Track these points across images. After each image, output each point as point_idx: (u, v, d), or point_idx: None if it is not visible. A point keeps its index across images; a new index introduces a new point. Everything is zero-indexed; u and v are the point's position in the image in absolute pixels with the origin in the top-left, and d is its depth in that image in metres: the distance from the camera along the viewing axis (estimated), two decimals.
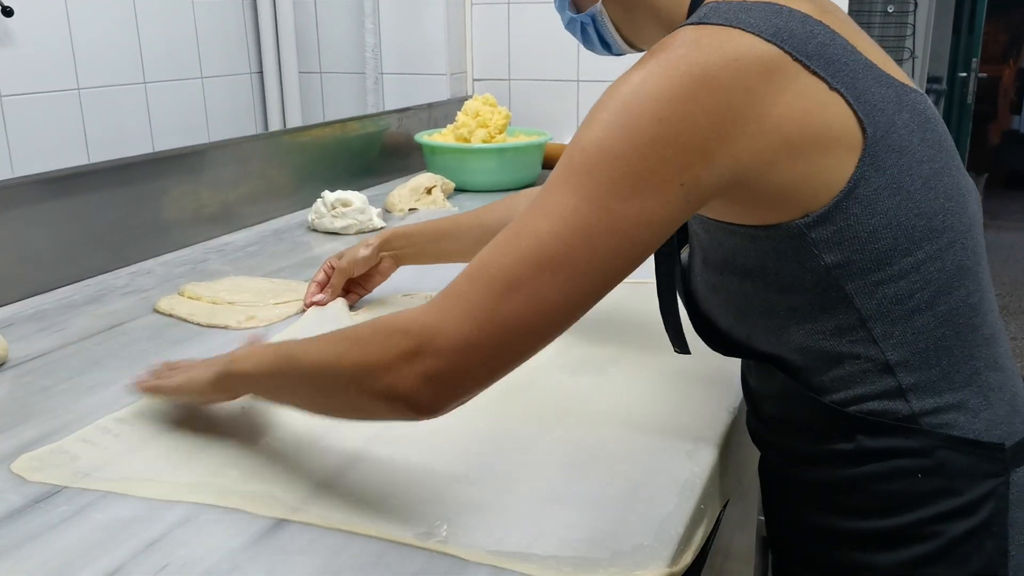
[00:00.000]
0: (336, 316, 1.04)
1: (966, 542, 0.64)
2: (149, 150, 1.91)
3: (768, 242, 0.63)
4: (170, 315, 1.09)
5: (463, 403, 0.60)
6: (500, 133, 1.85)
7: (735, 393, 0.88)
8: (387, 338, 0.59)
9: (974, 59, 4.31)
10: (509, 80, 2.28)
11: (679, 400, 0.86)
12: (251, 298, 1.12)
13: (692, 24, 0.61)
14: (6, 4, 1.62)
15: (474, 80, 2.32)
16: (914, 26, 2.67)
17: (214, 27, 2.14)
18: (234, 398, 0.76)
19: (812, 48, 0.59)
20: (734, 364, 0.93)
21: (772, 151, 0.58)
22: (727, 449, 0.81)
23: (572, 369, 0.94)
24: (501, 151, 1.83)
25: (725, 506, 0.84)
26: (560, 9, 0.80)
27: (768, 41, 0.58)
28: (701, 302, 0.75)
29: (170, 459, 0.74)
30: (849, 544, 0.68)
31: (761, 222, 0.63)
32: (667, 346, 0.99)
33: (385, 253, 1.09)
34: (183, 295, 1.14)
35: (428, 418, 0.60)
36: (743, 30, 0.58)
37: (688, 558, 0.63)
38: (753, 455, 0.98)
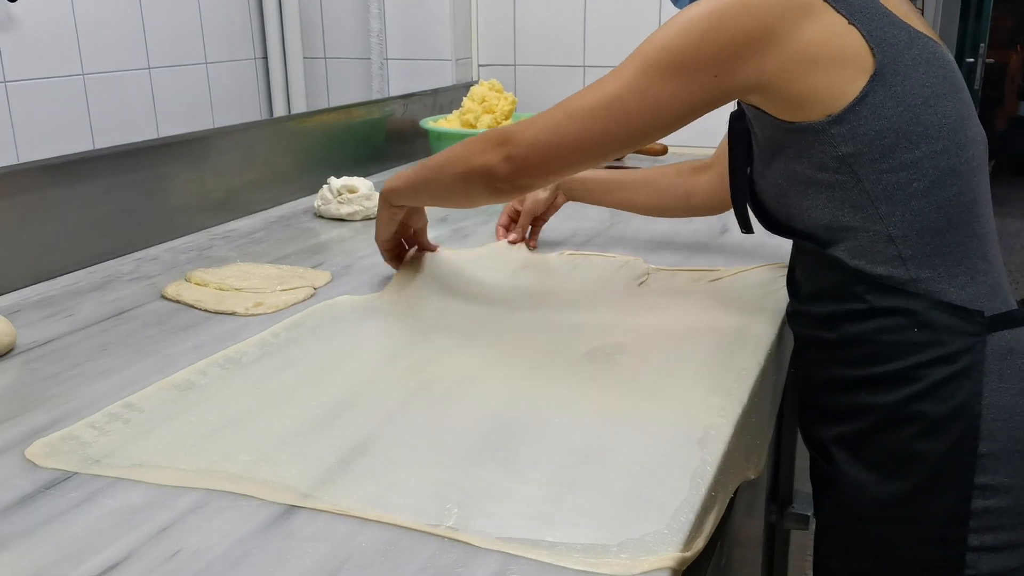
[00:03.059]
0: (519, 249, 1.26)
1: (947, 384, 0.81)
2: (154, 136, 1.92)
3: (801, 134, 0.82)
4: (177, 301, 1.09)
5: (532, 186, 0.92)
6: (506, 119, 1.84)
7: (746, 382, 0.87)
8: (488, 135, 0.90)
9: (982, 45, 4.28)
10: (515, 66, 2.27)
11: (689, 387, 0.86)
12: (259, 284, 1.11)
13: None
14: None
15: (479, 66, 2.30)
16: (923, 11, 2.65)
17: (218, 12, 2.13)
18: (401, 210, 1.07)
19: None
20: (743, 355, 0.93)
21: (795, 64, 0.79)
22: (738, 436, 0.80)
23: (583, 355, 0.93)
24: None
25: (736, 493, 0.84)
26: None
27: None
28: (758, 188, 0.94)
29: (181, 444, 0.74)
30: (858, 388, 0.86)
31: (795, 119, 0.82)
32: (676, 335, 0.99)
33: (560, 191, 1.29)
34: (190, 281, 1.14)
35: (509, 191, 0.91)
36: None
37: (699, 544, 0.63)
38: (763, 440, 0.98)
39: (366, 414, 0.79)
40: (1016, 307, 0.86)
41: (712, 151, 1.24)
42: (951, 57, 0.87)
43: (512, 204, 1.32)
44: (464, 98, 1.89)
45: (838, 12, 0.79)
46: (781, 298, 1.07)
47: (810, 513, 1.46)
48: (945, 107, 0.82)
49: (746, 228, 1.03)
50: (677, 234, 1.39)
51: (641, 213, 1.33)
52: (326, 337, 0.97)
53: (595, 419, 0.79)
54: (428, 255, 1.18)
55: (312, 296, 1.10)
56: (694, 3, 0.83)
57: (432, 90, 2.14)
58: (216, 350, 0.93)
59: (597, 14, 2.14)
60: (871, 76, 0.79)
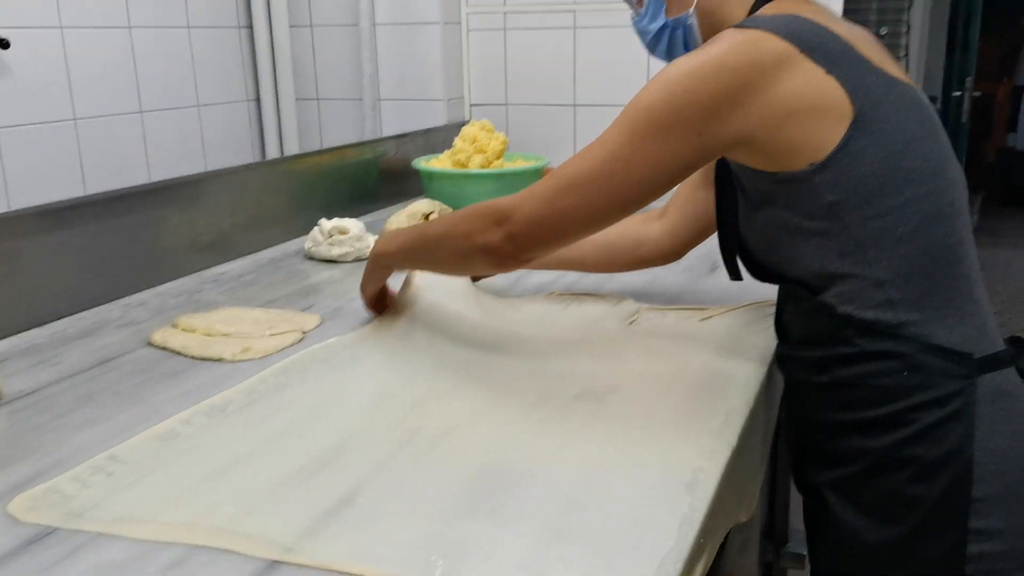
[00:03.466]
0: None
1: (939, 427, 0.81)
2: (146, 179, 1.93)
3: (787, 184, 0.83)
4: (164, 348, 1.08)
5: (533, 260, 0.91)
6: (498, 158, 1.85)
7: (735, 424, 0.87)
8: (485, 212, 0.89)
9: (968, 78, 4.33)
10: (506, 105, 2.29)
11: (678, 431, 0.85)
12: (247, 329, 1.11)
13: (731, 28, 0.83)
14: (2, 36, 1.62)
15: (471, 105, 2.32)
16: (907, 48, 2.69)
17: (211, 54, 2.15)
18: (390, 271, 1.08)
19: (815, 44, 0.80)
20: (733, 396, 0.93)
21: (776, 116, 0.80)
22: (728, 479, 0.80)
23: (572, 397, 0.93)
24: (499, 176, 1.83)
25: (728, 535, 0.84)
26: (649, 20, 1.01)
27: (783, 38, 0.80)
28: (745, 238, 0.95)
29: (164, 497, 0.73)
30: (850, 432, 0.85)
31: (779, 169, 0.83)
32: (666, 376, 0.99)
33: None
34: (177, 327, 1.13)
35: (510, 266, 0.93)
36: (764, 30, 0.81)
37: None
38: (753, 484, 0.97)
39: (353, 464, 0.78)
40: (1003, 347, 0.86)
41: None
42: (927, 101, 0.88)
43: None
44: (456, 138, 1.90)
45: (815, 62, 0.80)
46: (770, 336, 1.07)
47: (806, 552, 1.45)
48: (925, 151, 0.83)
49: (735, 276, 1.03)
50: (667, 273, 1.39)
51: (590, 271, 1.31)
52: (314, 383, 0.96)
53: (583, 467, 0.78)
54: (417, 292, 1.17)
55: (301, 340, 1.10)
56: (674, 61, 0.84)
57: (424, 130, 2.16)
58: (202, 398, 0.93)
59: (586, 54, 2.17)
60: (851, 123, 0.80)
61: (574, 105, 2.22)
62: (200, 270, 1.45)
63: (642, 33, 1.04)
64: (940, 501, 0.81)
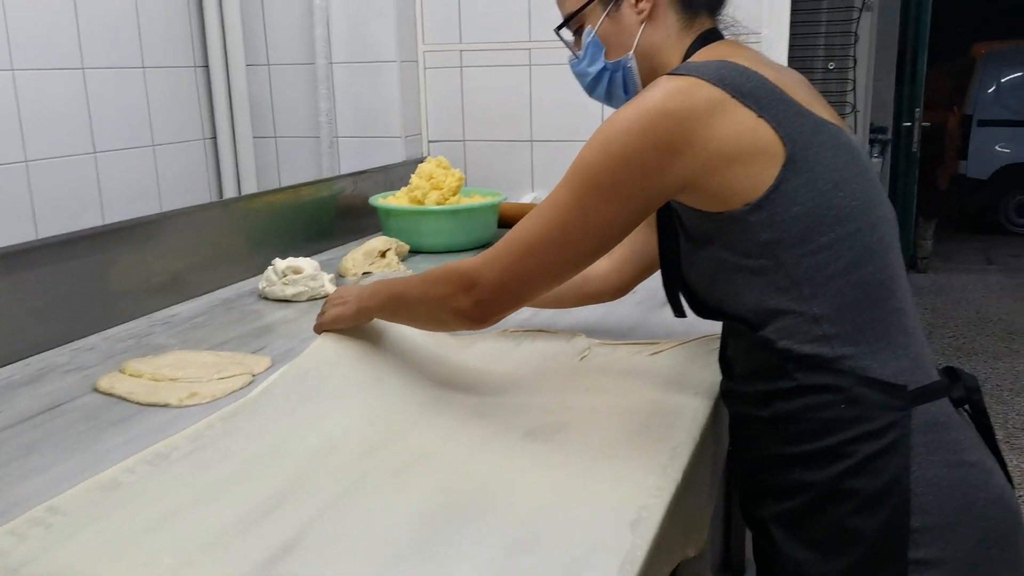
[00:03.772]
0: None
1: (877, 459, 0.82)
2: (99, 221, 1.91)
3: (724, 223, 0.86)
4: (110, 394, 1.07)
5: (505, 316, 0.94)
6: (454, 195, 1.87)
7: (681, 460, 0.88)
8: (454, 279, 0.94)
9: (917, 109, 4.44)
10: (464, 141, 2.31)
11: (625, 468, 0.86)
12: (195, 373, 1.10)
13: (666, 75, 0.86)
14: None
15: (429, 142, 2.34)
16: (854, 81, 2.76)
17: (166, 94, 2.14)
18: (369, 320, 1.10)
19: (746, 90, 0.84)
20: (679, 431, 0.94)
21: (714, 160, 0.83)
22: (674, 515, 0.81)
23: (521, 436, 0.93)
24: (455, 213, 1.85)
25: (678, 569, 0.84)
26: (588, 63, 1.03)
27: (714, 85, 0.83)
28: (687, 275, 0.97)
29: (102, 550, 0.72)
30: (792, 465, 0.87)
31: (717, 209, 0.86)
32: (615, 412, 0.99)
33: None
34: (124, 372, 1.12)
35: (483, 327, 0.95)
36: (697, 77, 0.84)
37: None
38: (702, 518, 0.98)
39: (298, 509, 0.78)
40: (938, 378, 0.88)
41: None
42: (856, 141, 0.91)
43: None
44: (412, 175, 1.91)
45: (746, 106, 0.83)
46: (718, 371, 1.09)
47: None
48: (855, 189, 0.86)
49: (679, 313, 1.05)
50: (619, 307, 1.40)
51: (541, 307, 1.32)
52: (261, 428, 0.96)
53: (530, 508, 0.78)
54: (370, 329, 1.17)
55: (250, 384, 1.09)
56: (611, 117, 0.86)
57: (382, 167, 2.17)
58: (146, 445, 0.91)
59: (542, 91, 2.20)
60: (783, 164, 0.83)
61: (531, 141, 2.24)
62: (151, 312, 1.44)
63: (581, 76, 1.06)
64: (880, 533, 0.82)
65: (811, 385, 0.85)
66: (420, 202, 1.87)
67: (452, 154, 2.27)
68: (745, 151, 0.82)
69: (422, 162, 1.93)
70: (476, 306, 0.92)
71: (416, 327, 1.10)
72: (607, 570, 0.68)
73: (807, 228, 0.83)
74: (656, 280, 1.27)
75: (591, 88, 1.06)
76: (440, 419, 1.00)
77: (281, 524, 0.75)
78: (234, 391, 1.07)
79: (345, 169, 2.24)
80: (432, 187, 1.87)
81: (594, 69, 1.03)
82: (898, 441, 0.82)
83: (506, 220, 2.04)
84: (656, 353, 1.18)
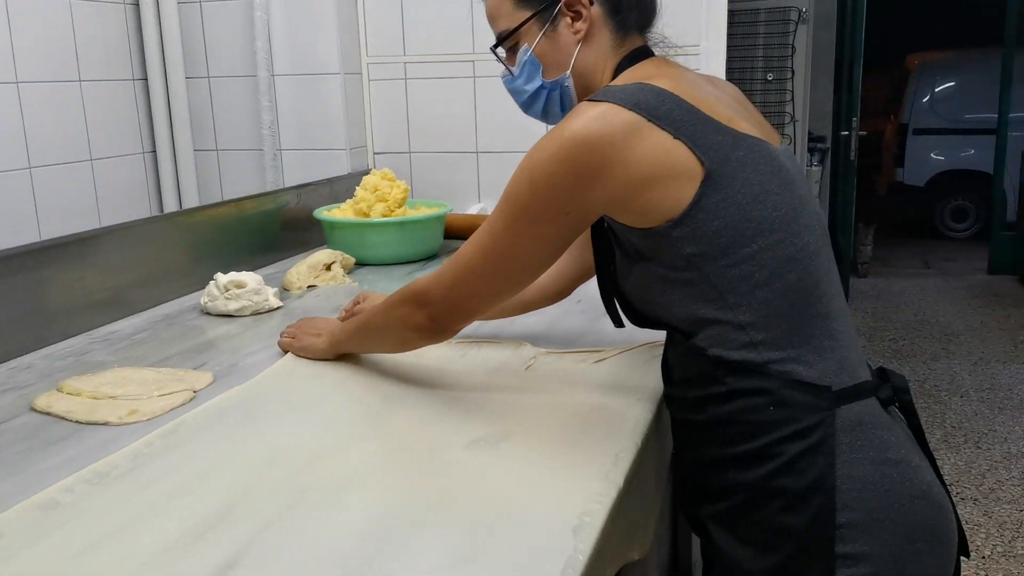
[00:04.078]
0: None
1: (803, 459, 0.85)
2: (36, 236, 1.86)
3: (651, 239, 0.89)
4: (47, 413, 1.05)
5: (460, 328, 1.01)
6: (400, 207, 1.87)
7: (623, 465, 0.89)
8: (409, 297, 1.01)
9: (854, 118, 4.57)
10: (409, 153, 2.31)
11: (568, 474, 0.87)
12: (135, 390, 1.08)
13: (586, 100, 0.89)
14: None
15: (374, 154, 2.34)
16: (792, 92, 2.83)
17: (103, 107, 2.11)
18: (336, 354, 1.17)
19: (661, 112, 0.86)
20: (622, 437, 0.95)
21: (633, 182, 0.86)
22: (616, 520, 0.82)
23: (465, 446, 0.94)
24: (401, 224, 1.85)
25: (621, 572, 0.85)
26: (525, 81, 1.05)
27: (629, 109, 0.86)
28: (623, 287, 1.00)
29: (40, 572, 0.71)
30: (727, 466, 0.90)
31: (643, 226, 0.89)
32: (559, 419, 1.01)
33: None
34: (62, 391, 1.10)
35: (441, 339, 1.03)
36: (613, 103, 0.87)
37: None
38: (646, 521, 0.99)
39: (242, 525, 0.77)
40: (866, 379, 0.90)
41: None
42: (780, 152, 0.93)
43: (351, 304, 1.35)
44: (357, 187, 1.91)
45: (662, 128, 0.85)
46: (660, 376, 1.11)
47: None
48: (775, 201, 0.88)
49: (618, 323, 1.07)
50: (565, 315, 1.42)
51: (481, 318, 1.31)
52: (202, 444, 0.95)
53: (474, 516, 0.79)
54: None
55: (192, 400, 1.08)
56: (535, 145, 0.90)
57: (328, 179, 2.16)
58: (86, 464, 0.90)
59: (487, 102, 2.21)
60: (702, 182, 0.85)
61: (476, 152, 2.25)
62: (91, 329, 1.41)
63: (516, 93, 1.08)
64: (808, 529, 0.84)
65: (742, 389, 0.88)
66: (366, 214, 1.86)
67: (398, 166, 2.27)
68: (663, 172, 0.85)
69: (367, 174, 1.93)
70: (431, 321, 1.00)
71: (385, 352, 1.17)
72: (550, 575, 0.69)
73: (728, 241, 0.86)
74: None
75: (527, 105, 1.08)
76: (385, 431, 1.00)
77: (224, 540, 0.75)
78: (175, 407, 1.05)
79: (289, 182, 2.23)
80: (378, 199, 1.86)
81: (531, 87, 1.05)
82: (823, 440, 0.85)
83: (453, 231, 2.05)
84: (600, 360, 1.20)
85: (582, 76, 1.02)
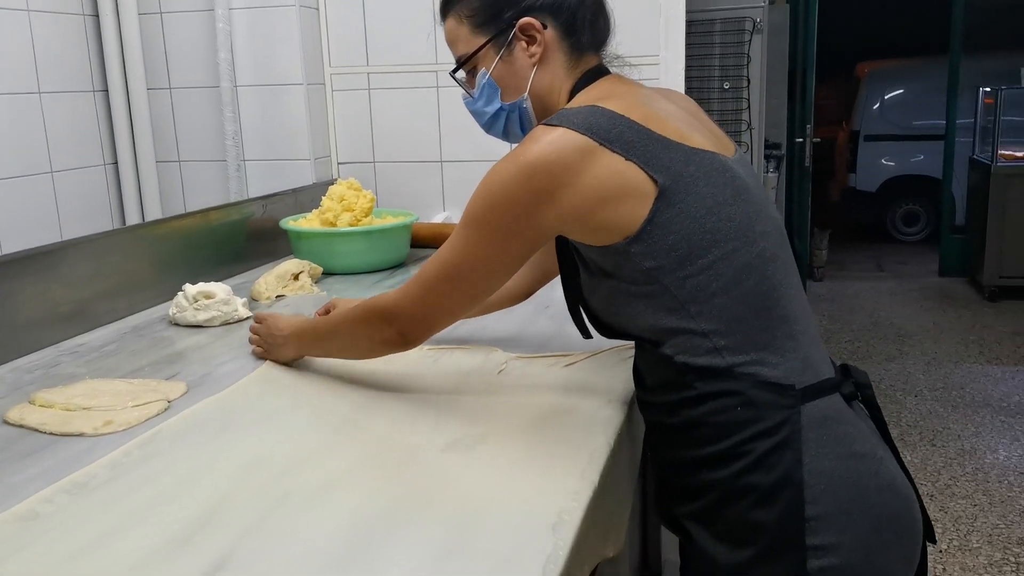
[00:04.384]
0: None
1: (771, 455, 0.88)
2: None
3: (610, 256, 0.93)
4: (20, 426, 1.04)
5: (425, 340, 1.04)
6: (366, 216, 1.88)
7: (597, 464, 0.92)
8: (376, 314, 1.05)
9: (808, 125, 4.67)
10: (374, 163, 2.32)
11: (544, 474, 0.89)
12: (109, 401, 1.08)
13: (541, 124, 0.93)
14: None
15: (339, 163, 2.35)
16: (748, 100, 2.90)
17: (64, 119, 2.09)
18: (305, 356, 1.22)
19: (613, 135, 0.90)
20: (595, 437, 0.98)
21: (587, 203, 0.90)
22: (592, 518, 0.84)
23: (443, 449, 0.96)
24: (368, 233, 1.86)
25: (596, 571, 0.88)
26: (484, 103, 1.09)
27: (582, 133, 0.90)
28: (588, 301, 1.03)
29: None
30: (700, 467, 0.93)
31: (602, 243, 0.93)
32: (533, 421, 1.03)
33: None
34: (34, 403, 1.09)
35: (409, 349, 1.06)
36: (566, 127, 0.91)
37: None
38: (620, 520, 1.02)
39: (225, 529, 0.78)
40: (829, 376, 0.94)
41: None
42: (734, 161, 0.97)
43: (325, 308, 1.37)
44: (323, 197, 1.92)
45: (613, 151, 0.89)
46: (630, 379, 1.14)
47: None
48: (729, 212, 0.92)
49: (586, 335, 1.11)
50: (535, 320, 1.44)
51: None
52: (181, 452, 0.95)
53: (453, 515, 0.81)
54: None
55: (167, 410, 1.08)
56: (493, 167, 0.94)
57: (292, 189, 2.16)
58: (63, 475, 0.90)
59: (451, 112, 2.23)
60: (655, 199, 0.89)
61: (441, 162, 2.27)
62: (58, 342, 1.41)
63: (477, 114, 1.11)
64: (779, 523, 0.88)
65: (710, 392, 0.91)
66: (332, 224, 1.87)
67: (362, 175, 2.28)
68: (616, 192, 0.89)
69: (332, 184, 1.94)
70: (399, 335, 1.04)
71: (351, 358, 1.19)
72: (531, 571, 0.71)
73: (685, 253, 0.90)
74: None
75: (488, 126, 1.11)
76: (361, 437, 1.01)
77: (209, 544, 0.76)
78: (150, 418, 1.05)
79: (253, 192, 2.23)
80: (344, 209, 1.87)
81: (491, 109, 1.08)
82: (790, 437, 0.88)
83: (419, 240, 2.07)
84: (570, 364, 1.22)
85: (539, 97, 1.06)
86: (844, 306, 5.34)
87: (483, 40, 1.04)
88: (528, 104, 1.06)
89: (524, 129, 1.08)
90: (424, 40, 2.20)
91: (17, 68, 1.96)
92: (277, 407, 1.08)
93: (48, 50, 2.03)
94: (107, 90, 2.19)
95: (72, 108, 2.12)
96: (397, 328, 1.03)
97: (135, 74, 2.18)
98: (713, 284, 0.90)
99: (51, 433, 1.02)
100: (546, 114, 0.99)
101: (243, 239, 1.96)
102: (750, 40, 2.89)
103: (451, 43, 1.08)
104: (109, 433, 1.01)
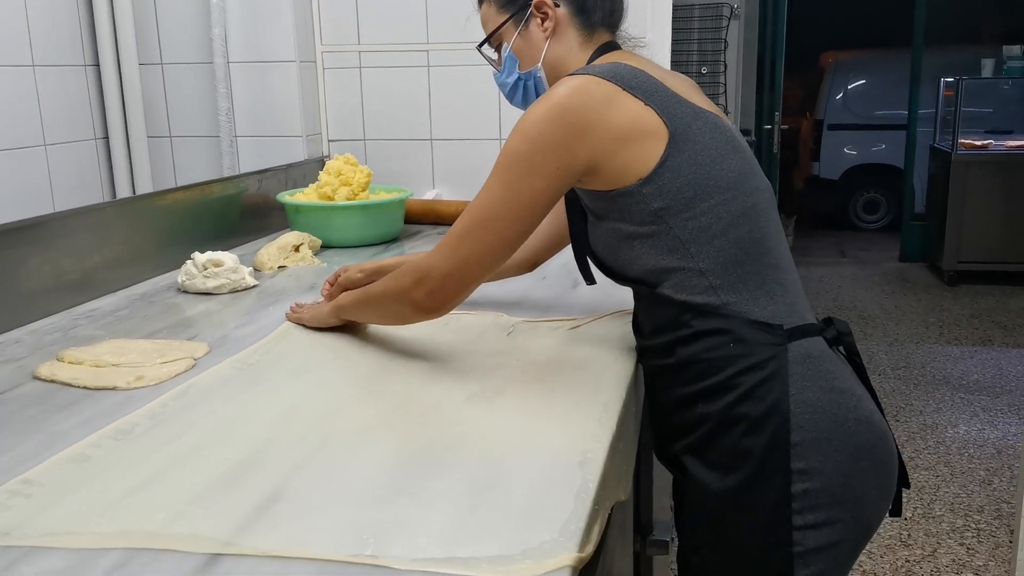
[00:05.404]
0: None
1: (760, 387, 0.98)
2: None
3: (621, 199, 1.01)
4: (52, 380, 1.08)
5: (455, 306, 1.07)
6: (363, 191, 1.92)
7: (613, 412, 0.98)
8: (406, 275, 1.07)
9: (776, 113, 4.78)
10: (364, 140, 2.36)
11: (564, 420, 0.96)
12: (137, 359, 1.12)
13: (568, 75, 1.03)
14: None
15: (329, 141, 2.38)
16: (725, 85, 2.97)
17: (56, 93, 2.09)
18: (344, 323, 1.24)
19: (634, 84, 1.00)
20: (607, 388, 1.04)
21: (612, 143, 0.99)
22: (610, 460, 0.91)
23: (465, 400, 1.01)
24: (365, 208, 1.90)
25: (612, 511, 0.94)
26: (506, 75, 1.20)
27: (607, 80, 1.00)
28: (594, 247, 1.11)
29: (91, 511, 0.75)
30: (695, 401, 1.01)
31: (615, 187, 1.01)
32: (546, 377, 1.09)
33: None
34: (63, 360, 1.13)
35: (435, 316, 1.09)
36: (592, 75, 1.01)
37: (590, 548, 0.72)
38: (628, 466, 1.09)
39: (273, 466, 0.83)
40: (812, 322, 1.04)
41: None
42: (731, 125, 1.08)
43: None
44: (321, 172, 1.95)
45: (635, 96, 0.99)
46: (633, 340, 1.20)
47: (669, 539, 1.59)
48: (729, 164, 1.02)
49: (590, 280, 1.20)
50: (534, 290, 1.50)
51: None
52: (216, 404, 1.00)
53: (486, 452, 0.87)
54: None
55: (193, 367, 1.13)
56: (526, 111, 1.02)
57: (285, 165, 2.19)
58: (104, 424, 0.94)
59: (441, 91, 2.28)
60: (667, 144, 0.99)
61: (431, 140, 2.32)
62: (71, 307, 1.43)
63: (502, 86, 1.23)
64: (767, 449, 0.96)
65: (705, 330, 1.00)
66: (330, 198, 1.91)
67: (353, 153, 2.30)
68: (636, 132, 0.99)
69: (323, 161, 1.98)
70: (428, 297, 1.05)
71: (382, 323, 1.24)
72: (565, 500, 0.77)
73: (690, 197, 0.99)
74: (563, 263, 1.39)
75: (510, 96, 1.23)
76: (384, 393, 1.06)
77: (260, 479, 0.81)
78: (179, 374, 1.10)
79: (245, 168, 2.25)
80: (341, 183, 1.91)
81: (511, 80, 1.20)
82: (777, 371, 0.98)
83: (410, 216, 2.12)
84: (576, 327, 1.29)
85: (553, 68, 1.16)
86: (809, 290, 5.48)
87: (505, 17, 1.18)
88: (542, 74, 1.17)
89: (538, 96, 1.14)
90: (416, 18, 2.24)
91: (10, 40, 1.96)
92: (302, 365, 1.13)
93: (40, 23, 2.04)
94: (99, 65, 2.20)
95: (63, 82, 2.12)
96: (427, 288, 1.05)
97: (127, 48, 2.19)
98: (713, 227, 1.00)
99: (84, 387, 1.06)
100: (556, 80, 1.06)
101: (238, 213, 1.99)
102: (727, 26, 2.96)
103: (484, 24, 1.21)
104: (141, 387, 1.06)
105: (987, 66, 5.61)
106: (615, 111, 0.98)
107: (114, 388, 1.05)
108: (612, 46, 1.16)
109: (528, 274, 1.42)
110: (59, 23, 2.10)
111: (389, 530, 0.72)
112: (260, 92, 2.26)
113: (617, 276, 1.10)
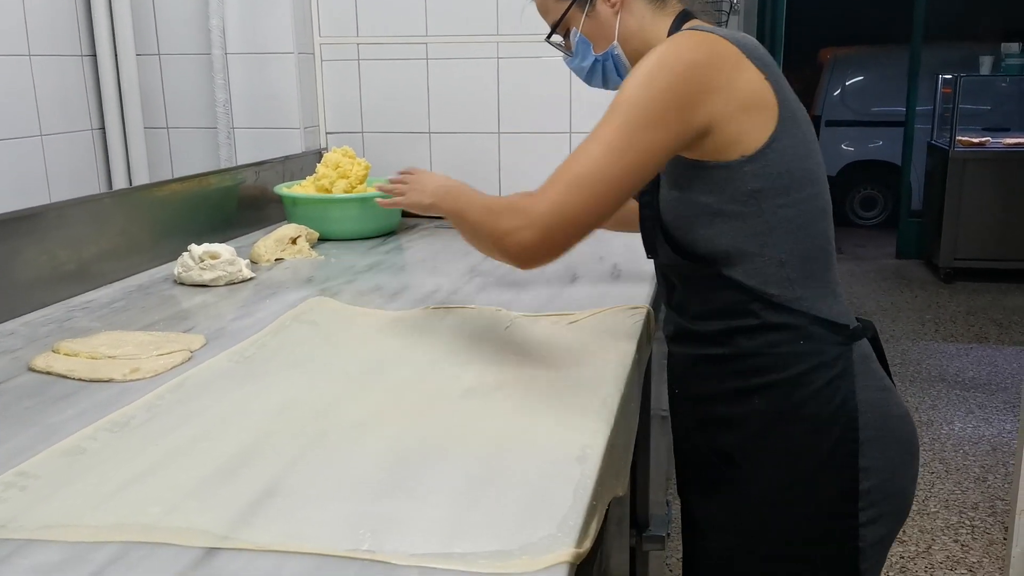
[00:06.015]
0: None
1: (829, 386, 0.98)
2: None
3: (717, 171, 0.98)
4: (48, 372, 1.07)
5: (552, 261, 0.99)
6: (361, 183, 1.92)
7: (610, 407, 0.98)
8: (507, 215, 0.98)
9: None
10: (362, 133, 2.35)
11: (562, 415, 0.95)
12: (133, 351, 1.12)
13: (683, 31, 1.00)
14: None
15: (327, 133, 2.37)
16: None
17: (52, 83, 2.08)
18: (438, 214, 1.19)
19: (756, 53, 0.98)
20: (605, 384, 1.04)
21: (733, 107, 0.95)
22: (608, 456, 0.90)
23: (462, 395, 1.01)
24: (363, 200, 1.89)
25: (609, 506, 0.94)
26: (581, 59, 1.15)
27: (731, 43, 0.97)
28: (665, 218, 1.06)
29: (86, 504, 0.75)
30: (752, 395, 1.00)
31: (715, 159, 0.97)
32: (544, 372, 1.09)
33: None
34: (58, 352, 1.12)
35: (529, 267, 1.01)
36: (718, 36, 0.97)
37: (588, 544, 0.72)
38: (625, 462, 1.08)
39: (270, 460, 0.83)
40: (858, 323, 1.05)
41: None
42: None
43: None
44: (318, 164, 1.95)
45: (756, 66, 0.96)
46: (632, 335, 1.20)
47: (665, 534, 1.59)
48: (818, 159, 1.02)
49: (652, 253, 1.13)
50: (532, 283, 1.50)
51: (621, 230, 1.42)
52: (213, 396, 0.99)
53: (483, 447, 0.86)
54: (300, 315, 1.23)
55: (190, 359, 1.12)
56: (646, 57, 0.96)
57: (282, 158, 2.18)
58: (99, 416, 0.94)
59: (439, 83, 2.27)
60: (777, 123, 0.96)
61: (429, 133, 2.31)
62: (66, 299, 1.43)
63: (577, 71, 1.18)
64: (835, 446, 0.98)
65: (773, 323, 0.99)
66: (327, 190, 1.90)
67: (350, 145, 2.30)
68: (755, 104, 0.95)
69: (320, 154, 1.97)
70: (524, 248, 0.96)
71: (471, 242, 1.11)
72: (564, 495, 0.77)
73: (787, 183, 0.97)
74: (563, 260, 1.38)
75: (589, 79, 1.18)
76: (381, 385, 1.06)
77: (257, 473, 0.80)
78: (175, 366, 1.09)
79: (242, 160, 2.24)
80: (339, 176, 1.91)
81: (587, 63, 1.16)
82: (845, 370, 0.99)
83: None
84: (574, 322, 1.28)
85: (629, 42, 1.12)
86: None
87: (567, 3, 1.13)
88: (619, 51, 1.12)
89: (620, 75, 1.14)
90: (415, 11, 2.23)
91: (8, 30, 1.95)
92: (299, 358, 1.13)
93: (37, 13, 2.02)
94: (95, 55, 2.19)
95: (60, 72, 2.11)
96: (527, 237, 0.95)
97: (124, 39, 2.18)
98: (799, 218, 0.98)
99: (80, 379, 1.05)
100: (639, 57, 1.01)
101: (235, 205, 1.99)
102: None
103: (543, 14, 1.17)
104: (137, 380, 1.05)
105: (985, 63, 5.60)
106: (741, 76, 0.95)
107: (110, 380, 1.05)
108: (687, 16, 1.09)
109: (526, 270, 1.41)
110: (56, 13, 2.09)
111: (386, 525, 0.71)
112: (258, 84, 2.25)
113: (682, 250, 1.04)
